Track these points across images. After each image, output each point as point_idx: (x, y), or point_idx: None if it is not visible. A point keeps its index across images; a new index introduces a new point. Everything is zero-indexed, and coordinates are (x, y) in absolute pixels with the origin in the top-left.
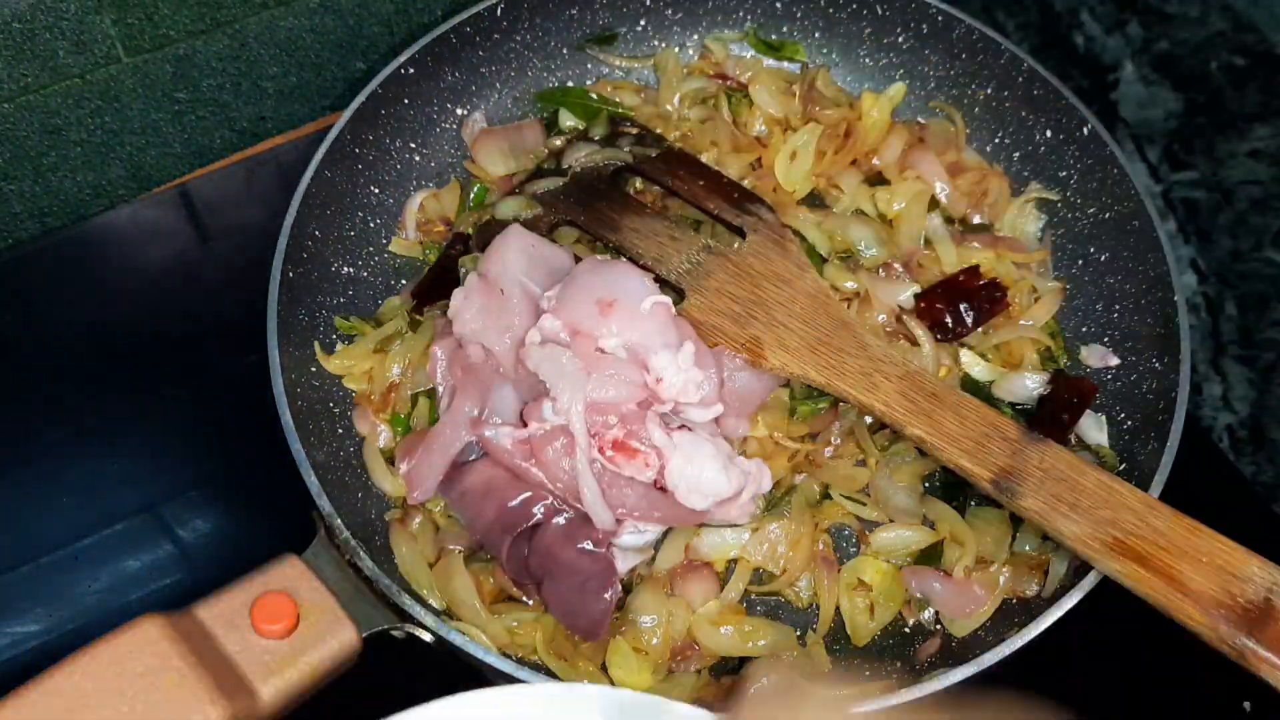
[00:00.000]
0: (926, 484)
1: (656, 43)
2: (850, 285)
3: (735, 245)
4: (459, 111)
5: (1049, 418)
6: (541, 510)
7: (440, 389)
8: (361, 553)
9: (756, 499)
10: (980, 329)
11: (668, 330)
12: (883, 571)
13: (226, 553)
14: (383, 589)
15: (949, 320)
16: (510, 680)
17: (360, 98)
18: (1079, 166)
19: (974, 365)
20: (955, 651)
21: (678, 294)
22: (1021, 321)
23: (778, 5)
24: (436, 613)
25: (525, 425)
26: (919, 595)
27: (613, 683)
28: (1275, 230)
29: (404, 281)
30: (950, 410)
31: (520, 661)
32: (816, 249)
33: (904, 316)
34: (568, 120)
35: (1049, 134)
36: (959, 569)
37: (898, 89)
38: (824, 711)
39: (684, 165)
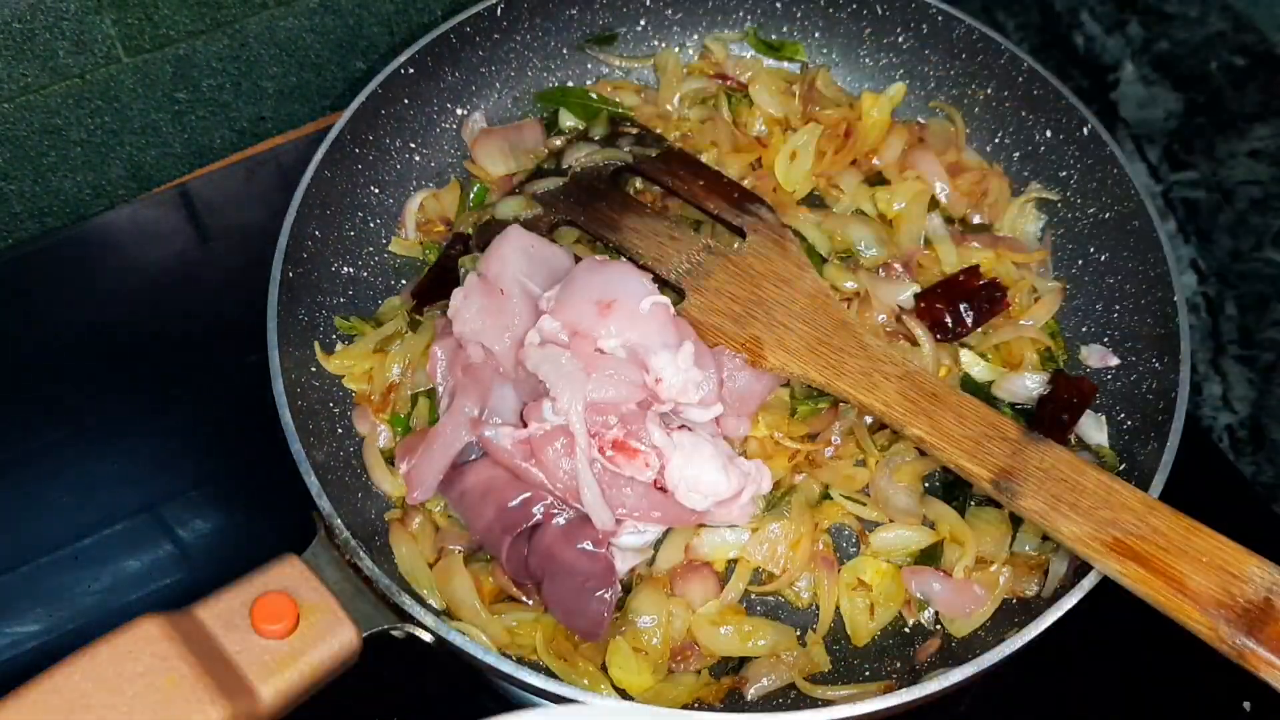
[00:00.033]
0: (926, 484)
1: (656, 43)
2: (850, 285)
3: (735, 245)
4: (459, 111)
5: (1049, 418)
6: (541, 510)
7: (440, 389)
8: (361, 553)
9: (756, 500)
10: (980, 329)
11: (667, 330)
12: (883, 571)
13: (226, 553)
14: (383, 589)
15: (949, 320)
16: (510, 680)
17: (360, 98)
18: (1079, 166)
19: (974, 365)
20: (955, 651)
21: (678, 294)
22: (1021, 321)
23: (778, 5)
24: (436, 613)
25: (525, 425)
26: (919, 595)
27: (613, 683)
28: (1275, 230)
29: (404, 281)
30: (950, 410)
31: (520, 661)
32: (816, 249)
33: (904, 316)
34: (568, 120)
35: (1049, 134)
36: (959, 569)
37: (898, 89)
38: None
39: (684, 165)
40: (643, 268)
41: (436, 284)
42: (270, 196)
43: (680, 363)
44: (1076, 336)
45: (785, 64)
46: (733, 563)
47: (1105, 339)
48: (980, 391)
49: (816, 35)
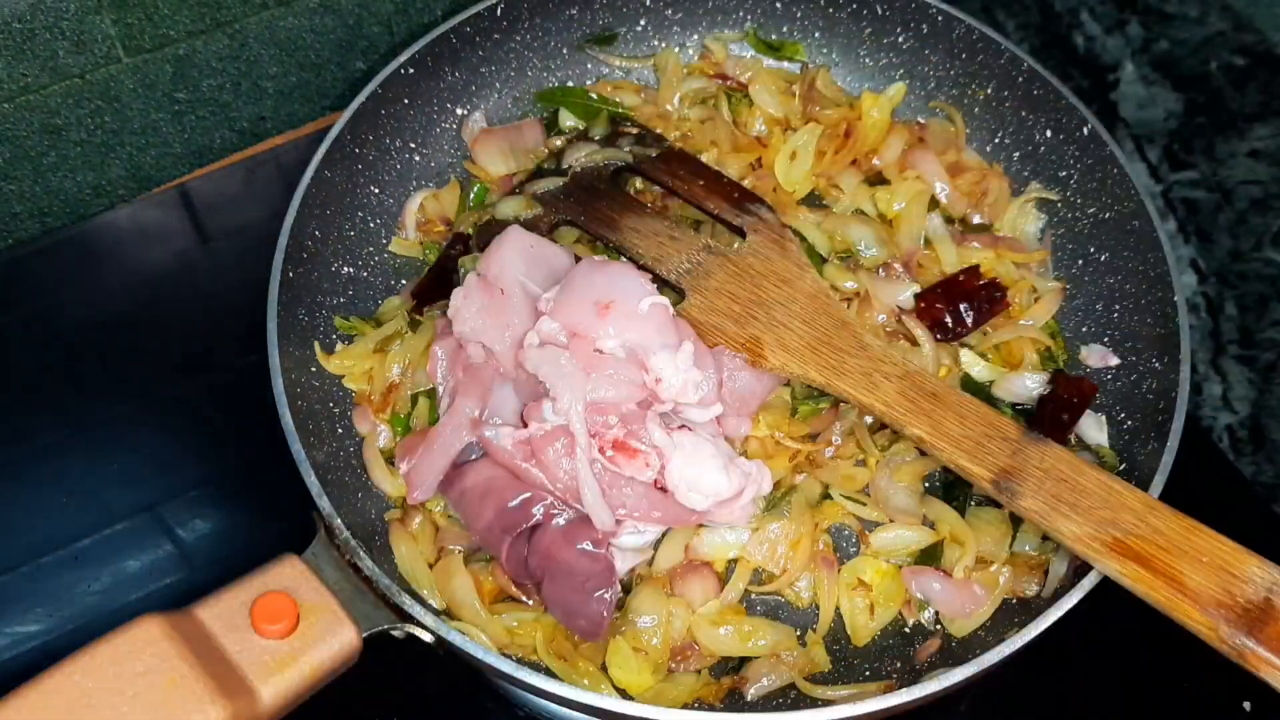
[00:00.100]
0: (926, 484)
1: (656, 43)
2: (850, 285)
3: (735, 245)
4: (459, 111)
5: (1049, 418)
6: (541, 511)
7: (440, 389)
8: (361, 553)
9: (757, 500)
10: (980, 329)
11: (666, 330)
12: (883, 571)
13: (226, 553)
14: (383, 589)
15: (949, 320)
16: (510, 680)
17: (360, 98)
18: (1079, 166)
19: (974, 365)
20: (955, 651)
21: (678, 294)
22: (1021, 321)
23: (778, 5)
24: (436, 613)
25: (525, 425)
26: (919, 595)
27: (613, 683)
28: (1275, 230)
29: (404, 281)
30: (950, 410)
31: (520, 661)
32: (816, 249)
33: (904, 316)
34: (568, 120)
35: (1049, 134)
36: (959, 569)
37: (898, 89)
38: None
39: (684, 165)
40: (643, 268)
41: (436, 284)
42: (270, 196)
43: (680, 363)
44: (1076, 336)
45: (785, 64)
46: (733, 563)
47: (1105, 339)
48: (980, 391)
49: (816, 35)
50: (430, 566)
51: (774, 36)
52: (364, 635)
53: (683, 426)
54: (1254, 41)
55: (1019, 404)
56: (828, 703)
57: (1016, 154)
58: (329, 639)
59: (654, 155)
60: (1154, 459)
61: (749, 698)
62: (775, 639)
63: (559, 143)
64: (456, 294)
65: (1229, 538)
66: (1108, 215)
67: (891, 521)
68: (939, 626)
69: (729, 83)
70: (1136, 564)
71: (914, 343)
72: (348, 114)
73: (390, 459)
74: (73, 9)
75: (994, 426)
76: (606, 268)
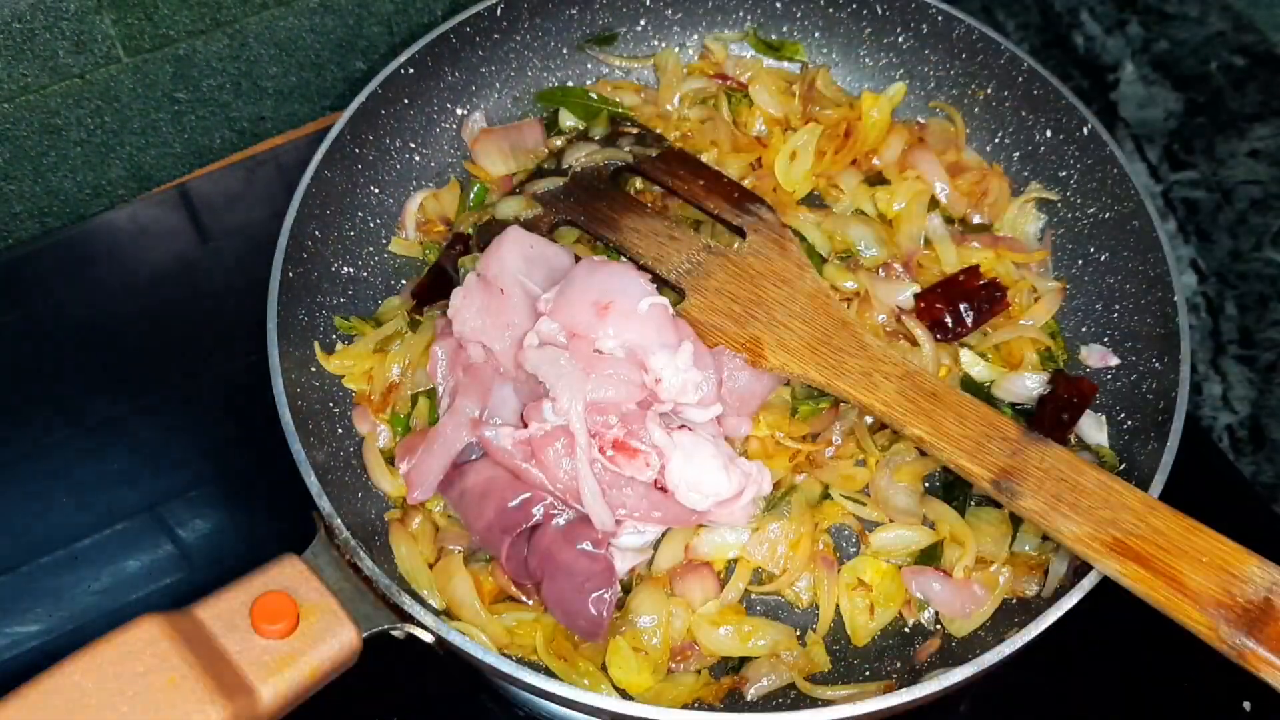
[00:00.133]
0: (926, 484)
1: (656, 43)
2: (850, 285)
3: (735, 245)
4: (459, 111)
5: (1049, 418)
6: (541, 511)
7: (440, 389)
8: (361, 553)
9: (757, 500)
10: (980, 329)
11: (665, 331)
12: (883, 571)
13: (226, 553)
14: (383, 589)
15: (949, 320)
16: (510, 680)
17: (360, 98)
18: (1079, 166)
19: (974, 365)
20: (955, 651)
21: (678, 294)
22: (1021, 321)
23: (778, 5)
24: (436, 613)
25: (525, 425)
26: (919, 595)
27: (613, 683)
28: (1275, 230)
29: (404, 281)
30: (950, 410)
31: (520, 661)
32: (816, 249)
33: (904, 316)
34: (568, 120)
35: (1049, 134)
36: (959, 569)
37: (898, 89)
38: None
39: (684, 165)
40: (642, 268)
41: (436, 284)
42: (270, 196)
43: (679, 363)
44: (1076, 336)
45: (785, 64)
46: (733, 563)
47: (1105, 339)
48: (980, 391)
49: (816, 35)
50: (430, 566)
51: (774, 36)
52: (364, 635)
53: (683, 426)
54: (1254, 41)
55: (1019, 404)
56: (827, 703)
57: (1016, 154)
58: (329, 639)
59: (654, 155)
60: (1154, 459)
61: (749, 698)
62: (775, 639)
63: (559, 143)
64: (456, 294)
65: (1229, 538)
66: (1108, 215)
67: (891, 521)
68: (939, 626)
69: (729, 83)
70: (1136, 564)
71: (914, 343)
72: (348, 114)
73: (390, 459)
74: (73, 9)
75: (994, 426)
76: (606, 268)
